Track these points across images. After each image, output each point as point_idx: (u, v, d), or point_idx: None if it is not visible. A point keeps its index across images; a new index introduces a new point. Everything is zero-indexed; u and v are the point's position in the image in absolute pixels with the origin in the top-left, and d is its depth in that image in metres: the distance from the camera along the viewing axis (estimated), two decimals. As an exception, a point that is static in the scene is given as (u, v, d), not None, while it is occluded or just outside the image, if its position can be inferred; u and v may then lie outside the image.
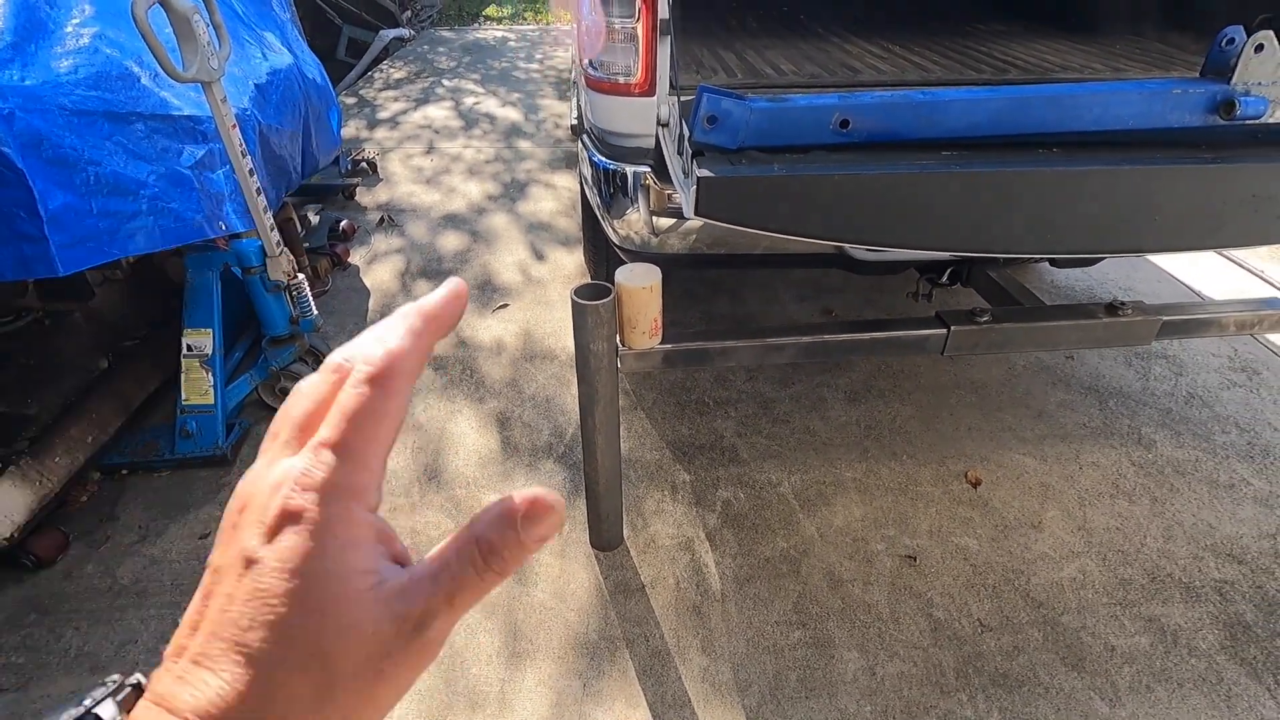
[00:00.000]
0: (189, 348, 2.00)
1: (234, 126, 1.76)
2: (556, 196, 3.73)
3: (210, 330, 2.01)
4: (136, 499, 1.92)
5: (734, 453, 2.09)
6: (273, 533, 0.25)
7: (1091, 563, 1.75)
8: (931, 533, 1.83)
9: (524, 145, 4.45)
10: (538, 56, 6.73)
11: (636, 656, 1.55)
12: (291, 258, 2.04)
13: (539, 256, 3.16)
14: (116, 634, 1.59)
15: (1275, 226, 1.22)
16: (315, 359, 2.30)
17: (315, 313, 2.15)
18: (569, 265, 3.08)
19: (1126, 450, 2.09)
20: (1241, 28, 1.18)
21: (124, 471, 1.98)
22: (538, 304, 2.81)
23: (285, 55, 2.64)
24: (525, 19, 8.85)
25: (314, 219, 3.20)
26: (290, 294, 2.08)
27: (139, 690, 0.27)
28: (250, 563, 0.25)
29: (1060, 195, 1.17)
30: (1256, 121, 1.20)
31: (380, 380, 0.27)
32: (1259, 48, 1.15)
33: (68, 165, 1.46)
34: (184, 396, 1.99)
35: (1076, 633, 1.59)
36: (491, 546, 0.27)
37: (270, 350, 2.14)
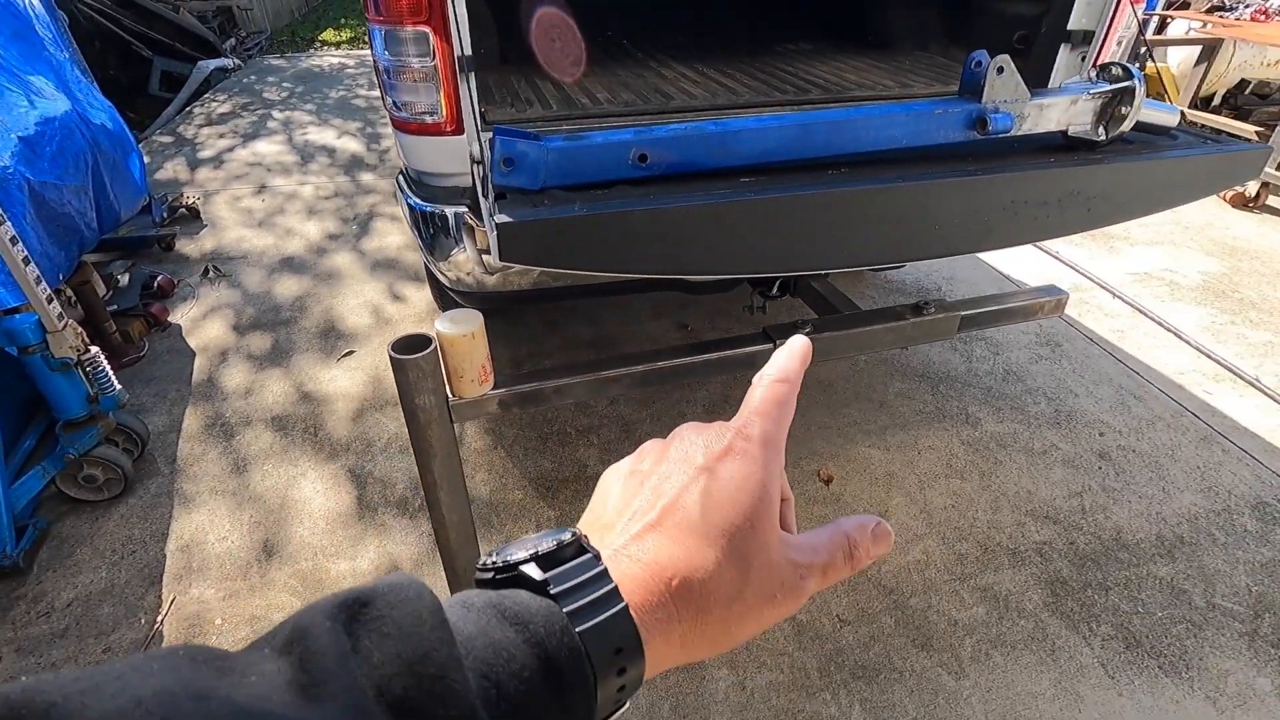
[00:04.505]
0: (-44, 446, 1.72)
1: (-17, 190, 1.54)
2: (403, 230, 3.57)
3: (-18, 423, 1.74)
4: (-101, 633, 1.62)
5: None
6: (724, 460, 0.33)
7: (933, 543, 1.87)
8: (790, 535, 1.89)
9: (367, 178, 4.25)
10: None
11: (506, 714, 1.48)
12: (79, 330, 1.82)
13: (387, 295, 3.01)
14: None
15: (1033, 228, 1.36)
16: (126, 438, 2.06)
17: (118, 387, 1.92)
18: (419, 302, 2.95)
19: (957, 430, 2.26)
20: (985, 52, 1.30)
21: (-119, 602, 1.67)
22: (387, 346, 2.66)
23: (61, 101, 2.36)
24: (365, 43, 8.49)
25: (123, 278, 2.88)
26: (84, 370, 1.85)
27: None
28: (705, 470, 0.33)
29: (849, 213, 1.24)
30: (1007, 135, 1.33)
31: (782, 380, 0.36)
32: (1000, 70, 1.28)
33: None
34: (-45, 503, 1.71)
35: (924, 613, 1.69)
36: (856, 544, 0.35)
37: (66, 435, 1.89)
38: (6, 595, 1.71)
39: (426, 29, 1.40)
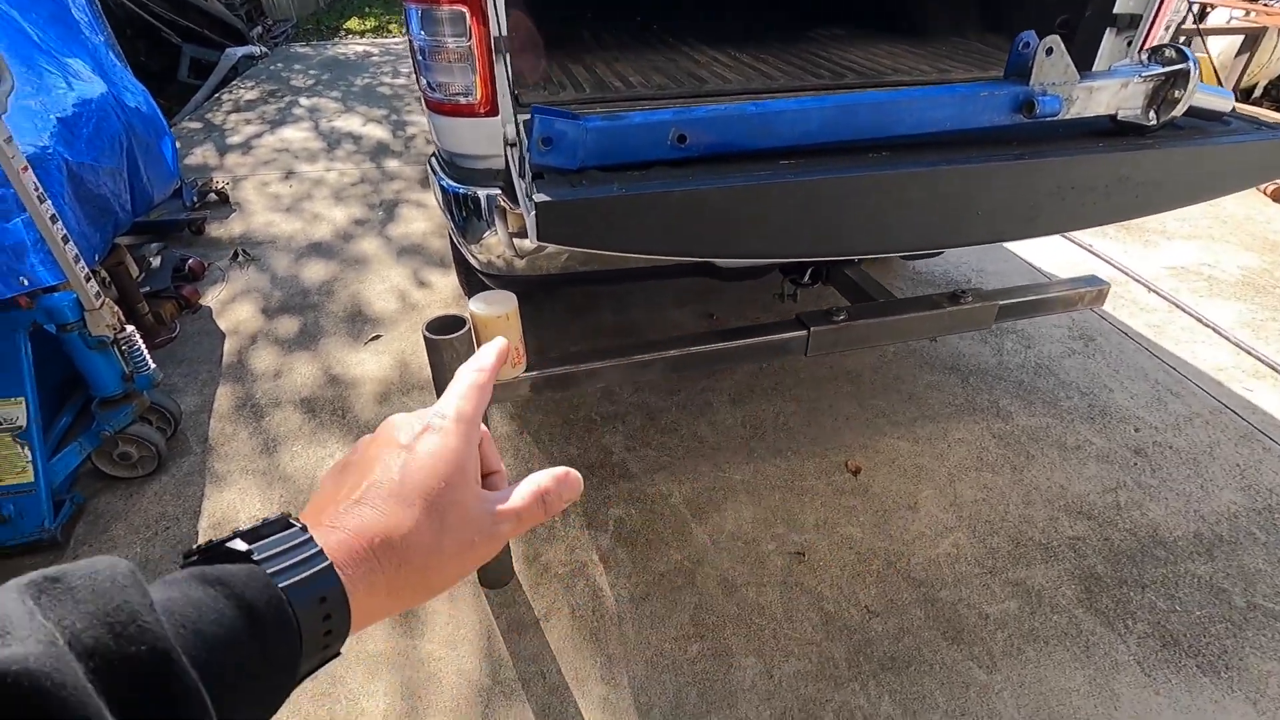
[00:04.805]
0: (-3, 421, 1.76)
1: (25, 169, 1.56)
2: (429, 216, 3.59)
3: (22, 399, 1.77)
4: (-57, 602, 1.66)
5: (624, 468, 2.06)
6: (421, 436, 0.38)
7: (963, 536, 1.85)
8: (818, 526, 1.88)
9: (392, 164, 4.26)
10: (404, 70, 6.48)
11: (533, 696, 1.49)
12: (115, 309, 1.84)
13: (413, 281, 3.02)
14: (-79, 767, 1.36)
15: (1080, 214, 1.33)
16: (159, 416, 2.09)
17: (153, 366, 1.95)
18: (444, 288, 2.96)
19: (988, 423, 2.23)
20: (1034, 33, 1.27)
21: (-75, 572, 1.71)
22: (413, 331, 2.68)
23: (97, 84, 2.39)
24: (390, 31, 8.51)
25: (155, 260, 2.92)
26: (119, 348, 1.87)
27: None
28: (405, 448, 0.38)
29: (890, 196, 1.21)
30: (1056, 118, 1.29)
31: (479, 369, 0.43)
32: (1049, 51, 1.24)
33: None
34: (-4, 477, 1.74)
35: (954, 606, 1.67)
36: (547, 490, 0.40)
37: (102, 413, 1.92)
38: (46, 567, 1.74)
39: (463, 8, 1.39)
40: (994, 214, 1.30)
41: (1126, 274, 3.10)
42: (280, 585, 0.30)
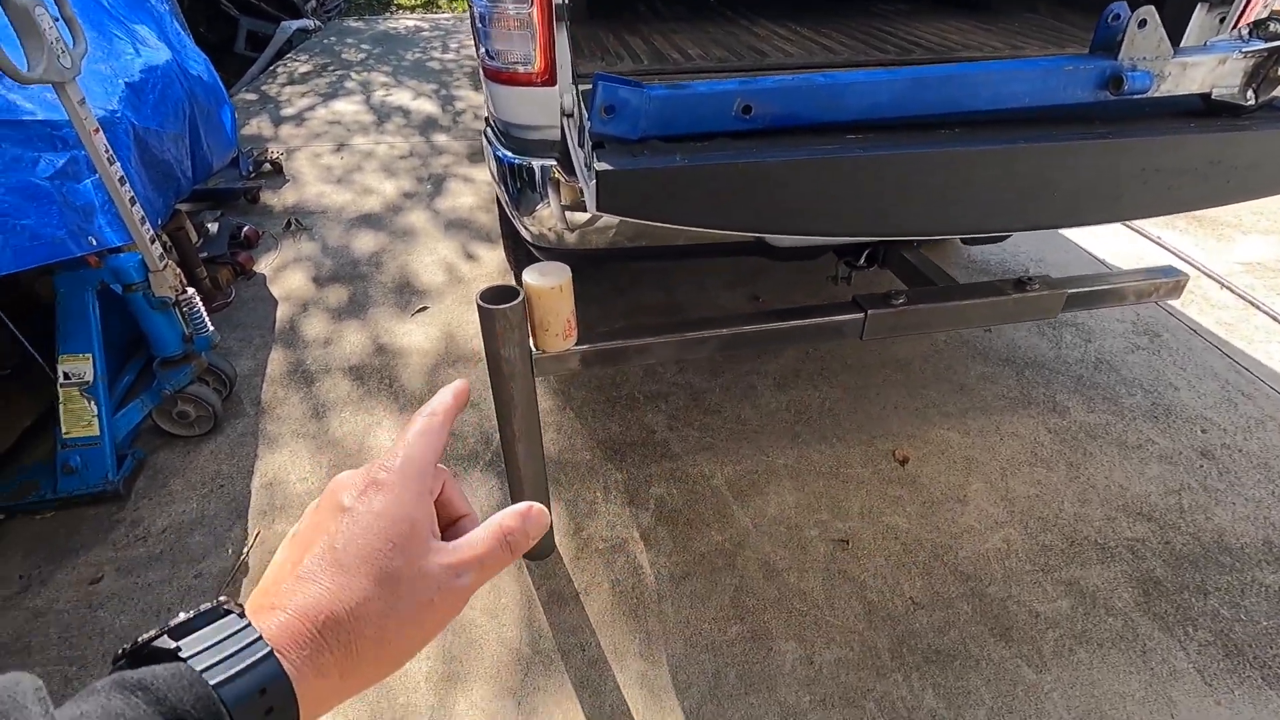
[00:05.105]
0: (66, 375, 1.82)
1: (97, 131, 1.60)
2: (476, 191, 3.60)
3: (90, 355, 1.83)
4: (14, 546, 1.74)
5: (666, 447, 2.05)
6: (364, 495, 0.36)
7: (1014, 531, 1.79)
8: (863, 514, 1.84)
9: (440, 139, 4.28)
10: (453, 46, 6.50)
11: (572, 668, 1.50)
12: (178, 271, 1.89)
13: (460, 255, 3.04)
14: (-5, 699, 1.43)
15: (1167, 198, 1.25)
16: (216, 378, 2.14)
17: (211, 329, 2.00)
18: (491, 262, 2.97)
19: (1043, 418, 2.15)
20: (1125, 4, 1.20)
21: (0, 517, 1.79)
22: (459, 304, 2.70)
23: (163, 50, 2.44)
24: (439, 6, 8.53)
25: (212, 226, 2.99)
26: (180, 310, 1.92)
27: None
28: (346, 510, 0.35)
29: (962, 175, 1.16)
30: (1144, 96, 1.22)
31: (431, 414, 0.41)
32: (1142, 23, 1.17)
33: (-110, 182, 1.29)
34: (64, 429, 1.82)
35: (1003, 602, 1.63)
36: (510, 530, 0.38)
37: (163, 372, 1.98)
38: (108, 518, 1.82)
39: (525, -26, 1.37)
40: (1072, 196, 1.23)
41: (1197, 268, 2.95)
42: (212, 682, 0.28)
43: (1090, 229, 3.26)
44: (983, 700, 1.44)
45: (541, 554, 1.72)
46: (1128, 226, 3.31)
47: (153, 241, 1.80)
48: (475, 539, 0.38)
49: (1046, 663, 1.50)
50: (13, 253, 1.49)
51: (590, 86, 1.11)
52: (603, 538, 1.78)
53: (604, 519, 1.83)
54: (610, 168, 1.06)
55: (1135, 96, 1.21)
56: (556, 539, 1.76)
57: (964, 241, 2.34)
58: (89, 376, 1.83)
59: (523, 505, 0.40)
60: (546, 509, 0.40)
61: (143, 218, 1.76)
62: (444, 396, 0.43)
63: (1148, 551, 1.74)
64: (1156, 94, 1.24)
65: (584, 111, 1.23)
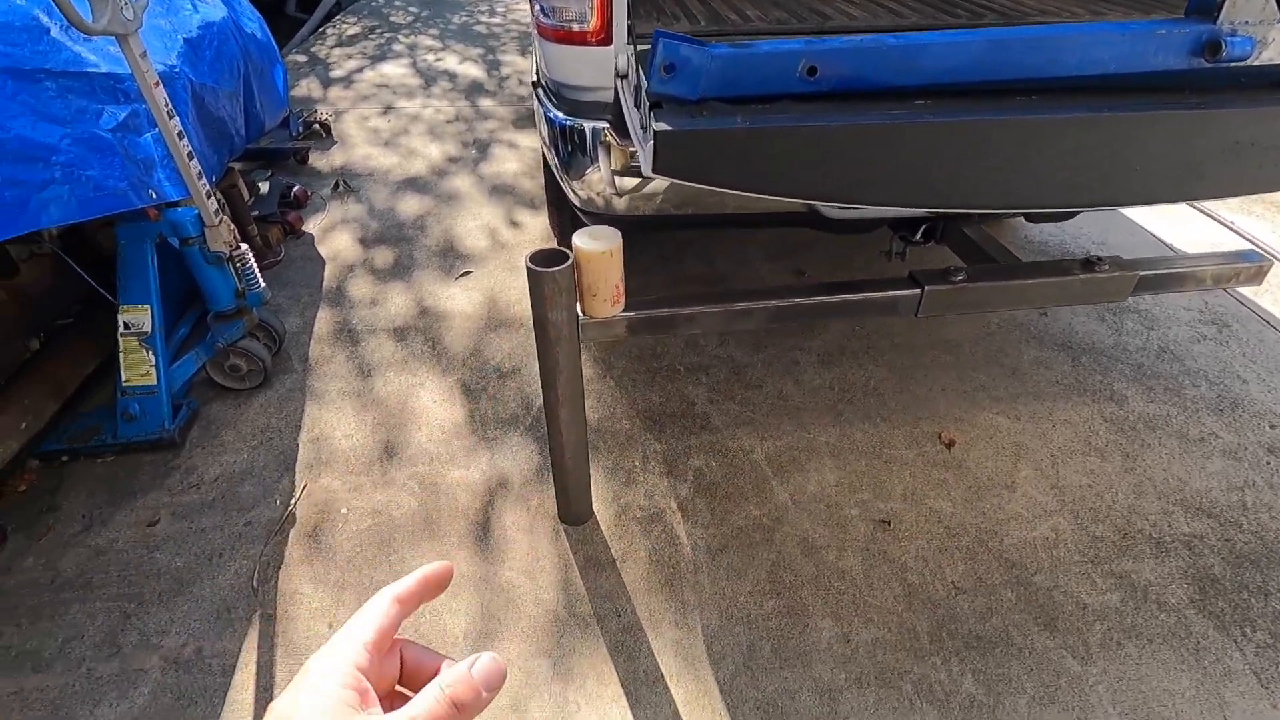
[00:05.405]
0: (126, 325, 1.88)
1: (157, 84, 1.62)
2: (520, 157, 3.58)
3: (148, 306, 1.89)
4: (78, 487, 1.82)
5: (706, 420, 2.04)
6: (293, 702, 0.33)
7: (1064, 521, 1.74)
8: (905, 496, 1.81)
9: (486, 104, 4.26)
10: (499, 9, 6.44)
11: (607, 632, 1.51)
12: (232, 227, 1.92)
13: (503, 220, 3.04)
14: (60, 630, 1.51)
15: (1258, 175, 1.17)
16: (266, 334, 2.19)
17: (263, 285, 2.03)
18: (535, 229, 2.97)
19: (1099, 406, 2.08)
20: (1229, -38, 1.11)
21: (63, 459, 1.87)
22: (502, 269, 2.71)
23: (219, 8, 2.46)
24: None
25: (263, 185, 3.04)
26: (234, 265, 1.96)
27: None
28: None
29: (1039, 145, 1.10)
30: (1242, 64, 1.13)
31: (396, 595, 0.38)
32: (1248, -17, 1.08)
33: (-36, 129, 1.33)
34: (124, 378, 1.88)
35: (1049, 592, 1.58)
36: (459, 701, 0.34)
37: (216, 326, 2.03)
38: (164, 465, 1.88)
39: (585, -73, 1.33)
40: (1155, 171, 1.16)
41: (1273, 256, 2.79)
42: None
43: (1157, 211, 3.11)
44: (1024, 688, 1.41)
45: (579, 520, 1.73)
46: (1197, 209, 3.14)
47: (209, 197, 1.83)
48: (413, 706, 0.34)
49: (1092, 655, 1.46)
50: (78, 203, 1.53)
51: (647, 46, 1.08)
52: (640, 507, 1.78)
53: (642, 488, 1.83)
54: (669, 128, 1.03)
55: (1232, 64, 1.13)
56: (595, 505, 1.77)
57: (1029, 219, 2.25)
58: (147, 327, 1.88)
59: (470, 658, 0.36)
60: (500, 660, 0.36)
61: (199, 173, 1.79)
62: (412, 579, 0.39)
63: (1206, 548, 1.67)
64: (1256, 62, 1.15)
65: (640, 72, 1.19)
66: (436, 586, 0.40)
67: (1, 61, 1.45)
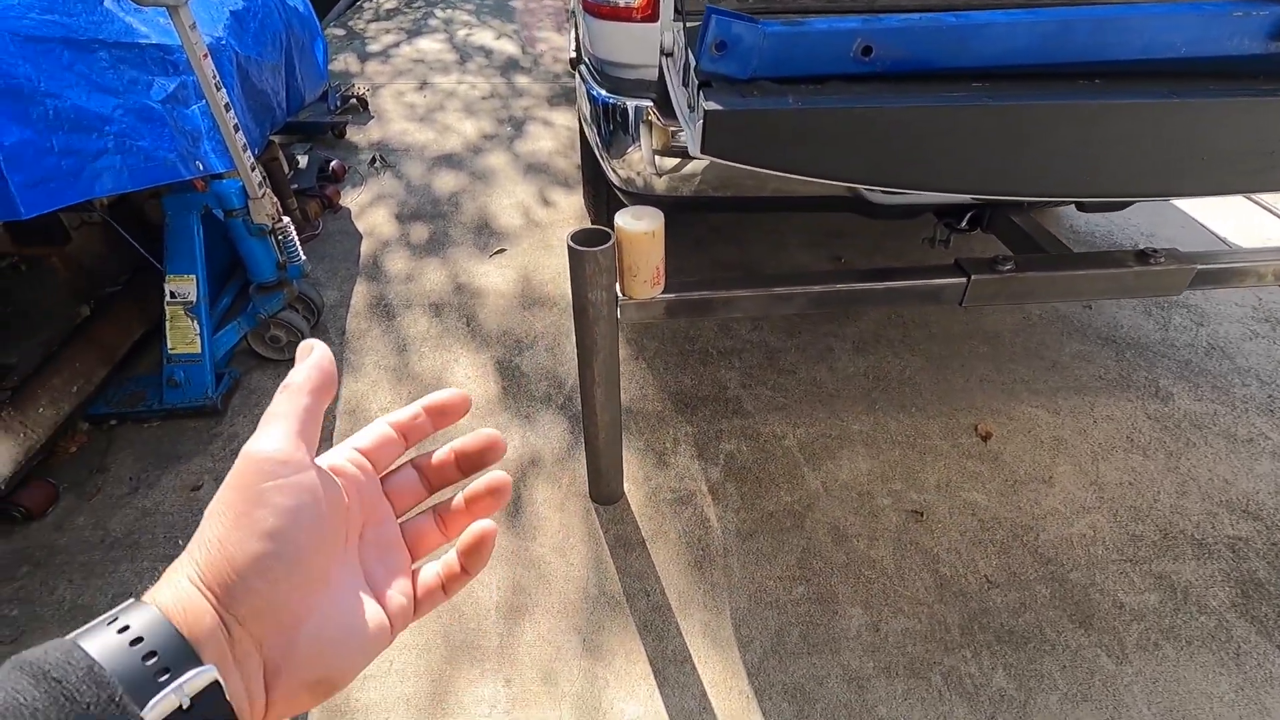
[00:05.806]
0: (172, 294, 1.92)
1: (205, 56, 1.64)
2: (555, 135, 3.57)
3: (194, 276, 1.92)
4: (126, 450, 1.88)
5: (738, 404, 2.03)
6: None
7: (1102, 518, 1.71)
8: (939, 487, 1.79)
9: (521, 81, 4.24)
10: (535, -15, 6.37)
11: (637, 611, 1.53)
12: (275, 200, 1.94)
13: (538, 199, 3.03)
14: (110, 586, 1.57)
15: (1334, 167, 1.12)
16: (305, 306, 2.22)
17: (303, 258, 2.06)
18: (569, 208, 2.96)
19: (1143, 403, 2.02)
20: (1316, -60, 1.05)
21: (112, 422, 1.93)
22: (537, 248, 2.71)
23: (263, -21, 2.47)
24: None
25: (302, 159, 3.06)
26: (276, 238, 1.99)
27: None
28: None
29: (1105, 132, 1.06)
30: (1324, 49, 1.08)
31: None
32: (1335, -37, 1.03)
33: (22, 97, 1.35)
34: (170, 345, 1.93)
35: (1085, 589, 1.56)
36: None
37: (258, 297, 2.06)
38: (207, 431, 1.93)
39: (635, -101, 1.30)
40: (1221, 161, 1.12)
41: (1334, 253, 2.68)
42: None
43: (1210, 202, 2.99)
44: (1056, 685, 1.39)
45: (610, 499, 1.74)
46: (1254, 201, 3.02)
47: (253, 169, 1.86)
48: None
49: (1128, 654, 1.44)
50: (130, 173, 1.56)
51: (696, 23, 1.06)
52: (671, 488, 1.79)
53: (673, 470, 1.83)
54: (719, 108, 1.01)
55: (1314, 49, 1.08)
56: (625, 486, 1.78)
57: (1080, 207, 2.18)
58: (193, 297, 1.92)
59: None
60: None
61: (244, 145, 1.81)
62: (409, 408, 0.39)
63: (1250, 551, 1.63)
64: (1339, 47, 1.09)
65: (688, 49, 1.18)
66: (442, 414, 0.38)
67: (58, 31, 1.48)
